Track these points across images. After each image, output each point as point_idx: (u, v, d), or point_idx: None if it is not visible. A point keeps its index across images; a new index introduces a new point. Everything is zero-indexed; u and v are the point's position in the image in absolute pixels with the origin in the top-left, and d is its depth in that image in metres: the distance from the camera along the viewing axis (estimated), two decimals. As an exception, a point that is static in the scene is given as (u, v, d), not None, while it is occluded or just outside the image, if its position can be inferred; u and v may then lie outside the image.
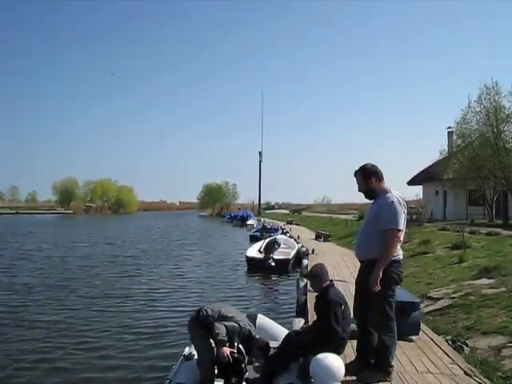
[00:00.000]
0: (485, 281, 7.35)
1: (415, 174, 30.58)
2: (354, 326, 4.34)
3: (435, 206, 26.28)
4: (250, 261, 15.22)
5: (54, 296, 10.48)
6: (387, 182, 4.17)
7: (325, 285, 4.41)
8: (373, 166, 4.00)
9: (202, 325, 4.10)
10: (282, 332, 5.22)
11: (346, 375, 3.55)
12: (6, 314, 8.87)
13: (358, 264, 4.28)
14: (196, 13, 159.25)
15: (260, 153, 71.86)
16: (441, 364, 4.31)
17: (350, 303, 4.29)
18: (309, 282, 4.69)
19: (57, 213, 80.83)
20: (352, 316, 4.28)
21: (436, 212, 26.01)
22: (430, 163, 26.91)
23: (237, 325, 4.06)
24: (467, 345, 4.93)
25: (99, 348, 6.80)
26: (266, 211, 73.43)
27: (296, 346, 4.19)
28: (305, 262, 12.02)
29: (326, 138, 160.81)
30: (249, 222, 44.90)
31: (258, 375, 4.25)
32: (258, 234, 23.94)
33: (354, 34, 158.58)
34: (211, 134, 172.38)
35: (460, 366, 4.24)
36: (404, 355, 4.52)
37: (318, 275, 4.47)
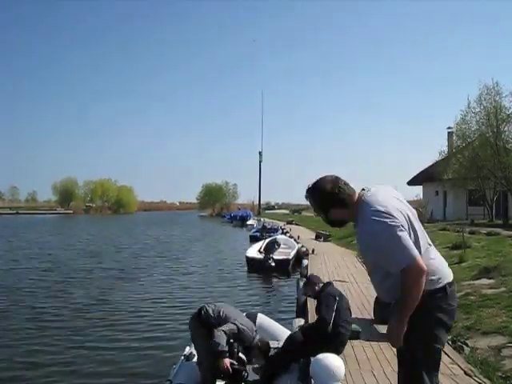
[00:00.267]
0: (485, 281, 7.36)
1: (415, 174, 30.63)
2: (355, 327, 4.36)
3: (435, 206, 26.30)
4: (250, 261, 15.22)
5: (53, 295, 10.49)
6: (388, 182, 4.14)
7: (319, 288, 4.47)
8: (332, 181, 2.47)
9: (202, 324, 4.11)
10: (282, 331, 5.22)
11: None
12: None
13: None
14: (196, 13, 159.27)
15: (260, 153, 71.99)
16: (441, 364, 4.30)
17: (350, 302, 4.29)
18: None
19: (57, 213, 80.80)
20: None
21: (436, 212, 26.03)
22: (430, 163, 26.93)
23: (235, 327, 4.04)
24: (467, 345, 4.93)
25: (98, 348, 6.79)
26: (266, 211, 73.44)
27: (296, 345, 4.20)
28: (305, 262, 12.01)
29: (326, 138, 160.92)
30: (249, 222, 44.87)
31: (257, 376, 4.25)
32: (257, 234, 23.93)
33: (354, 34, 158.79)
34: (211, 134, 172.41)
35: (460, 366, 4.24)
36: (404, 355, 4.52)
37: (311, 283, 4.59)
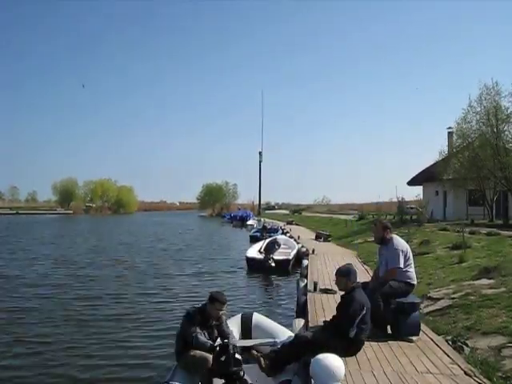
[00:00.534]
0: (485, 281, 7.36)
1: (415, 174, 30.61)
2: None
3: (435, 206, 26.28)
4: (250, 261, 15.22)
5: (53, 294, 10.50)
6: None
7: (351, 285, 4.45)
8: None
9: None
10: (278, 329, 5.24)
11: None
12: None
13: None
14: (197, 15, 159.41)
15: (260, 153, 71.95)
16: (441, 364, 4.31)
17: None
18: (335, 280, 4.74)
19: (57, 213, 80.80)
20: None
21: (436, 212, 26.02)
22: (430, 163, 26.93)
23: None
24: (467, 345, 4.93)
25: (96, 349, 6.78)
26: (266, 211, 73.46)
27: (309, 344, 4.22)
28: (305, 262, 12.00)
29: (327, 143, 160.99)
30: (249, 223, 44.90)
31: (254, 376, 4.27)
32: (258, 234, 23.94)
33: (355, 39, 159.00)
34: (212, 134, 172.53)
35: (460, 366, 4.24)
36: (404, 355, 4.53)
37: (345, 274, 4.51)
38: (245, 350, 4.63)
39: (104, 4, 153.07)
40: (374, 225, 5.87)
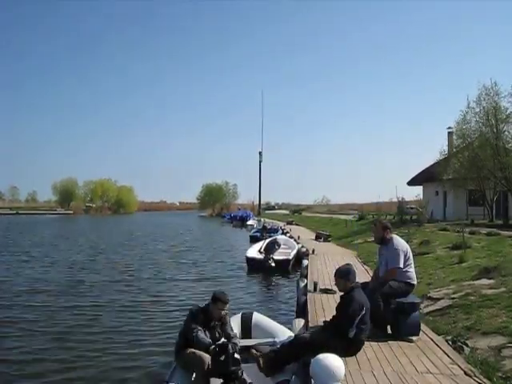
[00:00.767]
0: (485, 281, 7.35)
1: (415, 174, 30.61)
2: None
3: (435, 206, 26.28)
4: (250, 261, 15.21)
5: (54, 293, 10.50)
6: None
7: (350, 285, 4.45)
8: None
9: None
10: (278, 329, 5.25)
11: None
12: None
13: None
14: (198, 16, 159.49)
15: (260, 153, 72.02)
16: (441, 364, 4.31)
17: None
18: (332, 281, 4.75)
19: (57, 213, 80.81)
20: None
21: (436, 212, 26.02)
22: (430, 163, 26.93)
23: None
24: (467, 345, 4.93)
25: (94, 349, 6.76)
26: (266, 211, 73.47)
27: (308, 345, 4.22)
28: (305, 262, 12.01)
29: (327, 143, 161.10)
30: (249, 223, 44.92)
31: (252, 375, 4.28)
32: (258, 234, 23.95)
33: (355, 39, 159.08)
34: (212, 134, 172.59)
35: (460, 366, 4.24)
36: (404, 355, 4.53)
37: (345, 275, 4.51)
38: (244, 350, 4.63)
39: (104, 4, 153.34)
40: (373, 225, 5.88)
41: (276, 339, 4.84)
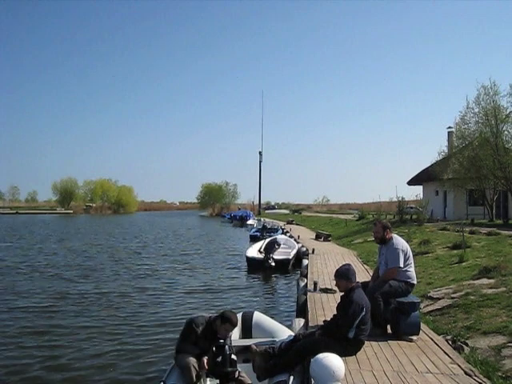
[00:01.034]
0: (485, 281, 7.35)
1: (415, 174, 30.59)
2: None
3: (435, 206, 26.27)
4: (250, 261, 15.21)
5: (54, 291, 10.50)
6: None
7: (351, 286, 4.44)
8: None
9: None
10: (278, 328, 5.24)
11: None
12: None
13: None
14: (198, 16, 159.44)
15: (260, 153, 72.14)
16: (441, 364, 4.31)
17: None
18: (331, 281, 4.73)
19: (57, 213, 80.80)
20: None
21: (436, 212, 26.01)
22: (431, 163, 26.92)
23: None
24: (467, 345, 4.93)
25: (93, 349, 6.77)
26: (266, 211, 73.43)
27: (304, 345, 4.22)
28: (305, 261, 12.01)
29: (327, 143, 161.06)
30: (249, 222, 44.91)
31: (249, 374, 4.28)
32: (258, 234, 23.95)
33: (355, 39, 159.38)
34: (212, 134, 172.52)
35: (460, 366, 4.24)
36: (404, 355, 4.53)
37: (344, 276, 4.50)
38: (244, 350, 4.62)
39: (103, 4, 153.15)
40: (374, 225, 5.87)
41: (276, 339, 4.83)
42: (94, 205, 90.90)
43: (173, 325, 7.88)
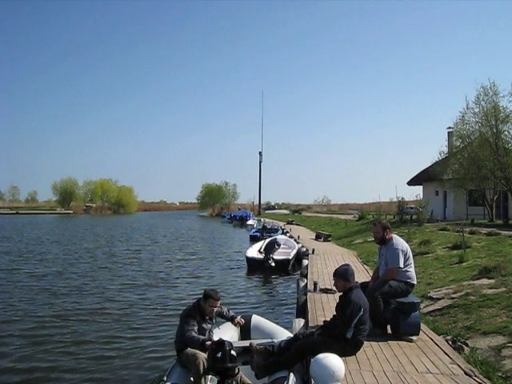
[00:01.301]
0: (485, 281, 7.35)
1: (415, 174, 30.59)
2: None
3: (435, 206, 26.26)
4: (250, 261, 15.21)
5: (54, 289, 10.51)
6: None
7: (349, 286, 4.44)
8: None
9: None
10: (277, 330, 5.23)
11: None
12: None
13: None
14: (199, 16, 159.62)
15: (260, 153, 72.16)
16: (441, 364, 4.31)
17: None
18: (330, 282, 4.72)
19: (57, 213, 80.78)
20: None
21: (436, 212, 26.00)
22: (430, 163, 26.92)
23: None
24: (467, 345, 4.93)
25: (94, 349, 6.77)
26: (266, 211, 73.42)
27: (304, 345, 4.21)
28: (305, 262, 12.00)
29: (327, 143, 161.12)
30: (249, 222, 44.91)
31: (248, 372, 4.28)
32: (258, 234, 23.94)
33: (355, 39, 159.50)
34: (212, 134, 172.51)
35: (460, 366, 4.24)
36: (404, 355, 4.53)
37: (343, 276, 4.50)
38: (243, 351, 4.62)
39: (103, 4, 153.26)
40: (373, 225, 5.87)
41: (275, 340, 4.83)
42: (94, 205, 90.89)
43: (172, 323, 7.88)
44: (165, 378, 4.09)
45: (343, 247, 17.45)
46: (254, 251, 16.28)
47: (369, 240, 16.23)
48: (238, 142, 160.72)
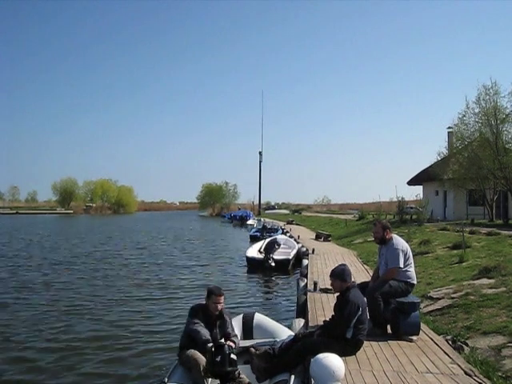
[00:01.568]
0: (485, 281, 7.35)
1: (415, 174, 30.60)
2: None
3: (435, 206, 26.26)
4: (250, 261, 15.21)
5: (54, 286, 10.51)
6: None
7: (346, 286, 4.44)
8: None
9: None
10: (279, 329, 5.23)
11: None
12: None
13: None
14: (199, 16, 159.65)
15: (260, 153, 72.16)
16: (441, 364, 4.31)
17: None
18: (329, 282, 4.72)
19: (57, 213, 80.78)
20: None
21: (436, 212, 26.00)
22: (430, 163, 26.92)
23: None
24: (467, 345, 4.93)
25: (95, 348, 6.77)
26: (266, 211, 73.40)
27: (304, 346, 4.21)
28: (305, 262, 12.00)
29: (327, 143, 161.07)
30: (249, 222, 44.90)
31: (249, 374, 4.27)
32: (258, 234, 23.95)
33: (354, 39, 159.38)
34: (212, 134, 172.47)
35: (460, 366, 4.24)
36: (404, 355, 4.53)
37: (339, 276, 4.50)
38: (245, 351, 4.62)
39: (103, 4, 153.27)
40: (373, 225, 5.87)
41: (277, 339, 4.82)
42: (94, 205, 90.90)
43: (173, 322, 7.90)
44: (166, 379, 4.08)
45: (343, 247, 17.45)
46: (254, 251, 16.28)
47: (369, 240, 16.22)
48: (238, 142, 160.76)
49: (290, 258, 15.11)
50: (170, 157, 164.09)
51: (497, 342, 4.86)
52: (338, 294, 4.62)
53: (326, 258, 13.22)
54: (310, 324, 5.69)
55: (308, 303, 6.97)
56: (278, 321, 5.88)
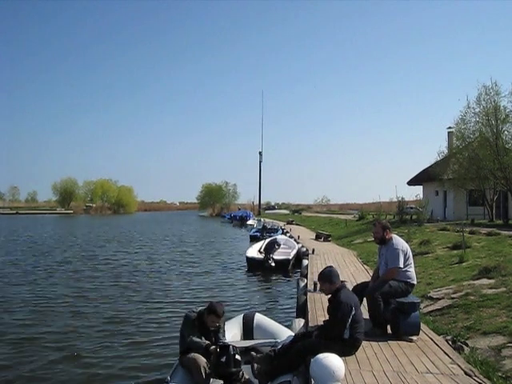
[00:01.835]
0: (485, 281, 7.35)
1: (415, 174, 30.60)
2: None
3: (435, 206, 26.26)
4: (250, 261, 15.20)
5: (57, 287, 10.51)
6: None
7: (335, 287, 4.43)
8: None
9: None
10: (280, 329, 5.23)
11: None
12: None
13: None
14: (199, 16, 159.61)
15: (260, 153, 72.18)
16: (441, 364, 4.31)
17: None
18: (319, 285, 4.71)
19: (57, 213, 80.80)
20: None
21: (436, 212, 26.00)
22: (430, 163, 26.92)
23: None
24: (467, 345, 4.93)
25: (96, 349, 6.77)
26: (266, 211, 73.42)
27: (303, 347, 4.21)
28: (305, 262, 12.00)
29: (327, 143, 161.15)
30: (249, 222, 44.91)
31: (251, 376, 4.27)
32: (258, 234, 23.94)
33: (354, 40, 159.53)
34: (212, 135, 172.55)
35: (460, 366, 4.24)
36: (404, 355, 4.52)
37: (327, 278, 4.50)
38: (246, 351, 4.62)
39: (103, 4, 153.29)
40: (373, 225, 5.87)
41: (277, 340, 4.82)
42: (94, 205, 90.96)
43: (174, 323, 7.88)
44: (168, 378, 4.09)
45: (343, 247, 17.45)
46: (254, 251, 16.27)
47: (369, 240, 16.22)
48: (238, 142, 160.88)
49: (290, 258, 15.11)
50: (170, 157, 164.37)
51: (497, 342, 4.86)
52: (329, 296, 4.61)
53: (326, 259, 13.21)
54: (310, 324, 5.69)
55: (308, 303, 6.96)
56: (278, 321, 5.88)
